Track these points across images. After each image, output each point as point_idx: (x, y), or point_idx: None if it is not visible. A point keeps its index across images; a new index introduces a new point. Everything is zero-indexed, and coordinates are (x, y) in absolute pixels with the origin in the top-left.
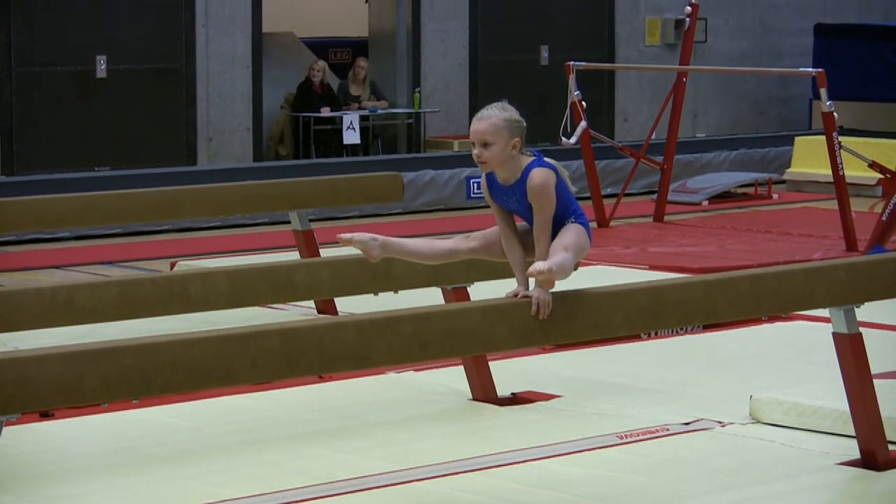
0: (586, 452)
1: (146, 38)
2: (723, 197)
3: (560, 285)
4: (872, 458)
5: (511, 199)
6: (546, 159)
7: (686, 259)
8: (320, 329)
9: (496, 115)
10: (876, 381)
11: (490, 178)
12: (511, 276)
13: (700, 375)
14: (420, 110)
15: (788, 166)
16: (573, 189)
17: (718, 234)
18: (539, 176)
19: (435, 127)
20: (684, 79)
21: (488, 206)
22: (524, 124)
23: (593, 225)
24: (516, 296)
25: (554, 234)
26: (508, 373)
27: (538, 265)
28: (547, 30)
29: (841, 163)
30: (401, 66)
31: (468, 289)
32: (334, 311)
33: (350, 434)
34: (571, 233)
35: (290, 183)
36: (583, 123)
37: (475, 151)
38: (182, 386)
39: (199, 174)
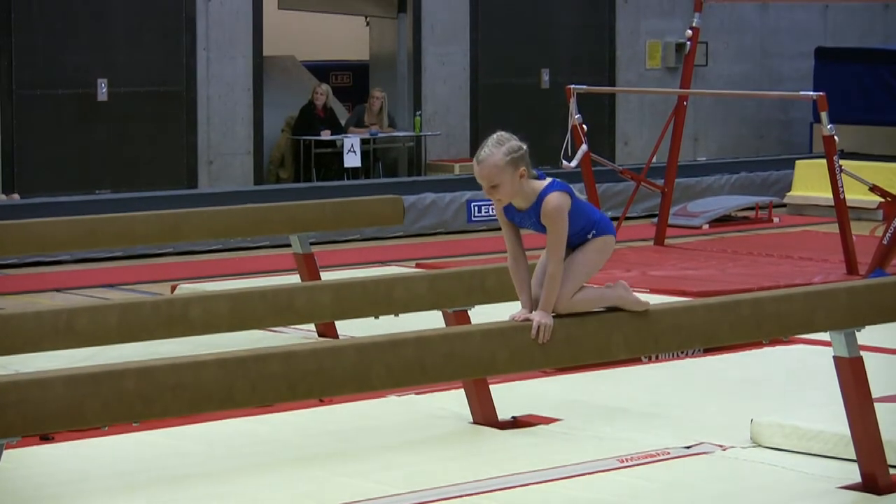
0: (587, 476)
1: (147, 62)
2: (723, 220)
3: None
4: (873, 481)
5: (527, 221)
6: (558, 181)
7: (686, 282)
8: (321, 352)
9: (494, 153)
10: (877, 405)
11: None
12: (507, 300)
13: (701, 399)
14: (421, 133)
15: (789, 190)
16: (583, 197)
17: (719, 258)
18: (554, 201)
19: (436, 150)
20: (685, 102)
21: (489, 230)
22: (524, 148)
23: None
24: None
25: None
26: (509, 396)
27: (533, 315)
28: (548, 53)
29: (842, 186)
30: (401, 90)
31: (469, 312)
32: (335, 335)
33: (351, 457)
34: (580, 260)
35: (290, 206)
36: (583, 147)
37: (486, 192)
38: (183, 409)
39: (199, 197)
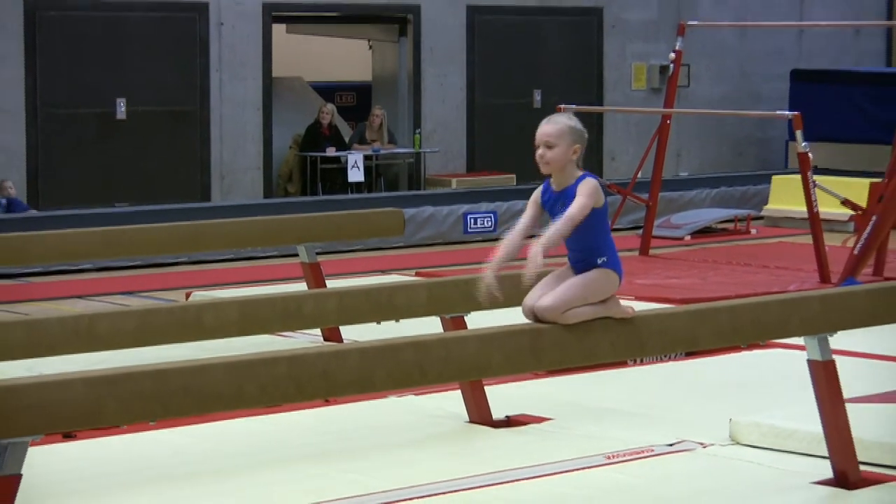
0: (576, 472)
1: (163, 82)
2: (704, 232)
3: None
4: (845, 477)
5: (557, 204)
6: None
7: (670, 290)
8: (326, 356)
9: (564, 120)
10: (848, 405)
11: (546, 184)
12: (501, 306)
13: (683, 400)
14: (420, 150)
15: (766, 203)
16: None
17: (700, 267)
18: (593, 182)
19: (434, 166)
20: (668, 121)
21: (484, 241)
22: (586, 135)
23: None
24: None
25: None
26: (503, 397)
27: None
28: (540, 75)
29: (815, 200)
30: (402, 109)
31: (465, 318)
32: (339, 339)
33: (354, 455)
34: (581, 282)
35: (298, 218)
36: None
37: (539, 152)
38: (196, 409)
39: (212, 210)
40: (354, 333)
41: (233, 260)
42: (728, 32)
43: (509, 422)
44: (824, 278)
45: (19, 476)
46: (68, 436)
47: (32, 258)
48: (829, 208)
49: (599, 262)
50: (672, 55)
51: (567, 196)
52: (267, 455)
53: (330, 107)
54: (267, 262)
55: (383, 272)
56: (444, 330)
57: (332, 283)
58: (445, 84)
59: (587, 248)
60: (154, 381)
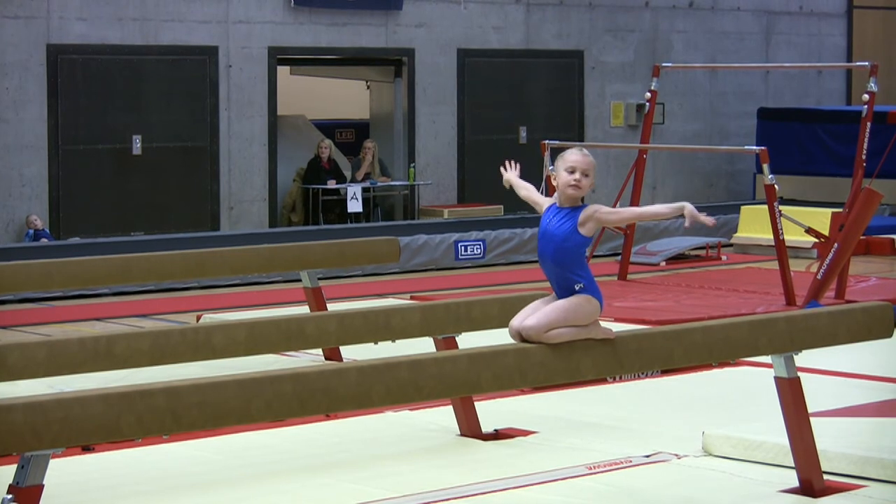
0: (559, 482)
1: (176, 121)
2: (678, 258)
3: None
4: (810, 486)
5: (559, 216)
6: None
7: (646, 312)
8: (327, 374)
9: (593, 159)
10: (812, 419)
11: (554, 206)
12: (490, 328)
13: (659, 414)
14: (414, 183)
15: (735, 231)
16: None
17: (674, 291)
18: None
19: (427, 197)
20: (644, 156)
21: (473, 268)
22: None
23: None
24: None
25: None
26: (492, 412)
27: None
28: (525, 113)
29: (781, 229)
30: (398, 145)
31: (456, 339)
32: (339, 358)
33: (353, 466)
34: (563, 306)
35: (300, 246)
36: (556, 195)
37: (576, 176)
38: (206, 424)
39: (221, 238)
40: (353, 353)
41: (240, 285)
42: (699, 74)
43: (497, 435)
44: (790, 301)
45: (41, 486)
46: (87, 448)
47: (54, 284)
48: (794, 236)
49: (577, 288)
50: (648, 95)
51: (574, 213)
52: (272, 466)
53: (328, 142)
54: (272, 287)
55: (380, 296)
56: (437, 350)
57: (332, 307)
58: (438, 122)
59: (565, 274)
60: (167, 398)
